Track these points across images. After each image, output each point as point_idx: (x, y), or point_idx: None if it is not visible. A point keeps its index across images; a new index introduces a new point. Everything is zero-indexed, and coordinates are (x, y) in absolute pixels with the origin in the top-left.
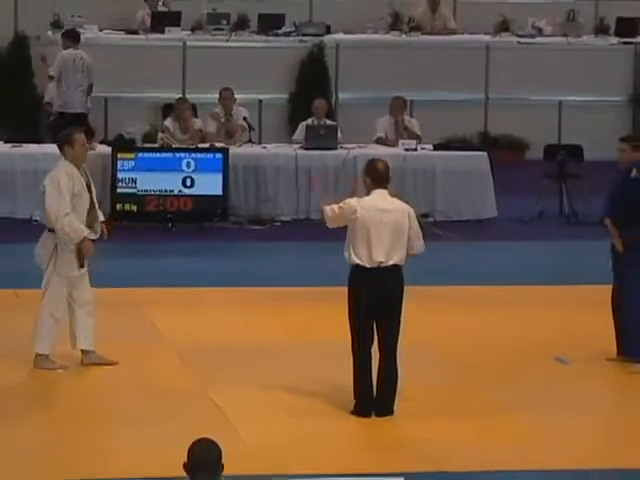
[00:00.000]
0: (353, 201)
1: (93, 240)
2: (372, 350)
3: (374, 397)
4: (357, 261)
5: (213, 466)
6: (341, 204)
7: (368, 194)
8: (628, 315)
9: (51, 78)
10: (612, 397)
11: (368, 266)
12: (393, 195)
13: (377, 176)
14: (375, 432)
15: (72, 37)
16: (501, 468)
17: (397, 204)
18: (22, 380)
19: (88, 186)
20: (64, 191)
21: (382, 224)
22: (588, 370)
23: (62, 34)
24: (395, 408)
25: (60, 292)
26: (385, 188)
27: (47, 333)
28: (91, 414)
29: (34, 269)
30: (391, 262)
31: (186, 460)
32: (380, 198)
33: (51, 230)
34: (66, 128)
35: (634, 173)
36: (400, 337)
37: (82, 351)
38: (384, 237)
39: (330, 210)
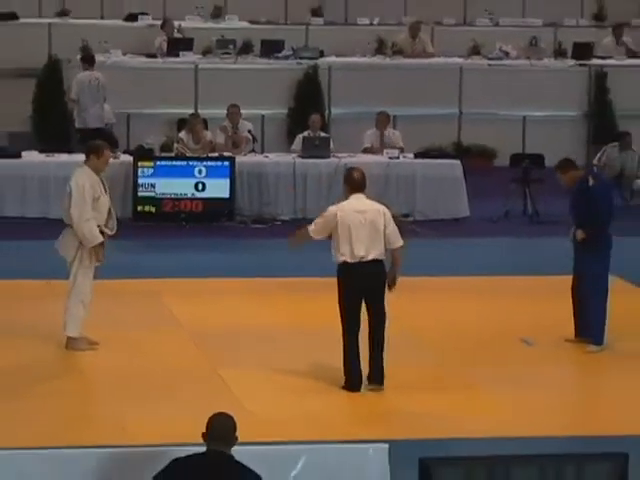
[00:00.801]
0: (332, 208)
1: (110, 235)
2: (359, 333)
3: (367, 370)
4: (342, 258)
5: (228, 437)
6: (322, 214)
7: (346, 199)
8: (585, 303)
9: (72, 101)
10: (571, 374)
11: (351, 261)
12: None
13: (353, 183)
14: (364, 405)
15: (87, 61)
16: (476, 435)
17: (372, 205)
18: (53, 358)
19: (105, 190)
20: (87, 197)
21: (360, 224)
22: (550, 350)
23: (80, 59)
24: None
25: (87, 281)
26: (362, 192)
27: (77, 318)
28: (111, 389)
29: (62, 263)
30: (371, 256)
31: (205, 430)
32: (357, 201)
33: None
34: (87, 141)
35: (591, 182)
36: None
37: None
38: (363, 235)
39: (313, 224)
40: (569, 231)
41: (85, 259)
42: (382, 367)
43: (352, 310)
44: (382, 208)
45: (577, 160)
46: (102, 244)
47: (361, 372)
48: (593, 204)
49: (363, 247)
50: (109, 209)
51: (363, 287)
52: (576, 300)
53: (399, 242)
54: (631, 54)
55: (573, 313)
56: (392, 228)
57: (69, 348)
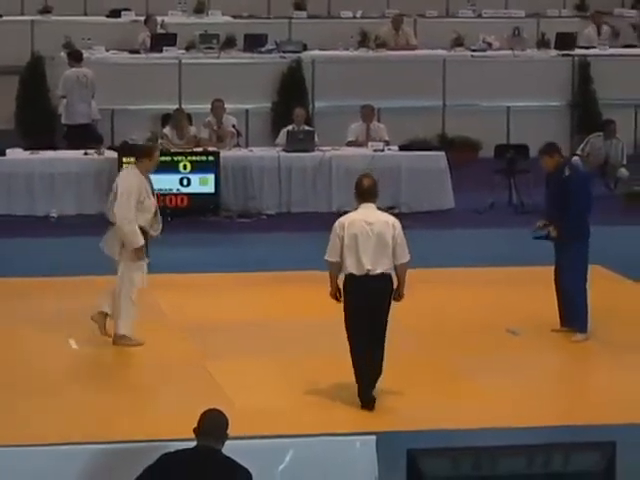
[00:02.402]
0: (339, 220)
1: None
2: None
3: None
4: (348, 270)
5: (218, 433)
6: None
7: (356, 209)
8: (568, 293)
9: (62, 97)
10: (558, 363)
11: (357, 274)
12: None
13: (362, 191)
14: (352, 397)
15: (74, 57)
16: (463, 426)
17: (381, 217)
18: (40, 355)
19: (152, 191)
20: (132, 198)
21: (367, 236)
22: (537, 340)
23: (67, 55)
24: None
25: (134, 277)
26: (372, 202)
27: (128, 315)
28: (100, 384)
29: (48, 260)
30: (378, 270)
31: (196, 425)
32: (366, 212)
33: None
34: (73, 137)
35: (567, 172)
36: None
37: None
38: (370, 247)
39: (327, 251)
40: (534, 225)
41: (129, 258)
42: (372, 394)
43: (358, 326)
44: (392, 220)
45: (562, 150)
46: (143, 246)
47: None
48: (569, 195)
49: (369, 260)
50: (155, 211)
51: (369, 302)
52: (559, 290)
53: (405, 258)
54: (615, 35)
55: (557, 303)
56: (400, 242)
57: (118, 344)
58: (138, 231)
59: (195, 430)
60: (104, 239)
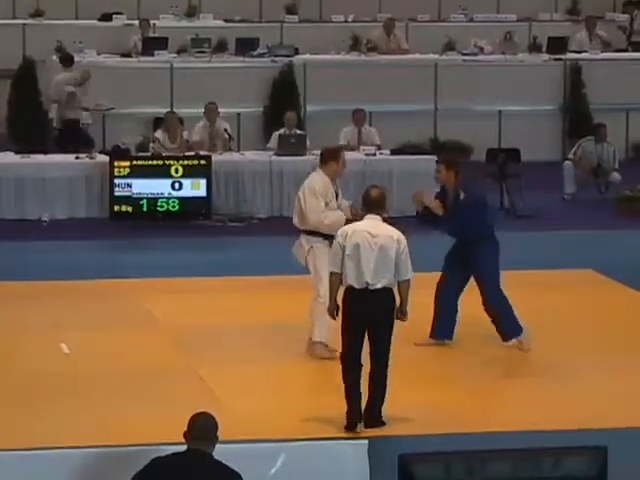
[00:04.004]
0: (342, 229)
1: None
2: (361, 367)
3: (364, 408)
4: (348, 282)
5: (209, 437)
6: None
7: (362, 219)
8: (493, 307)
9: (54, 102)
10: (548, 367)
11: (357, 287)
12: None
13: (368, 202)
14: (344, 402)
15: (65, 61)
16: (454, 431)
17: (386, 230)
18: (31, 360)
19: (336, 194)
20: (320, 198)
21: (369, 248)
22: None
23: (59, 59)
24: (384, 419)
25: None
26: (378, 214)
27: (324, 323)
28: (91, 388)
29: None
30: (379, 285)
31: (186, 429)
32: (371, 223)
33: (306, 232)
34: (64, 141)
35: (462, 197)
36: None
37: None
38: (372, 260)
39: (330, 262)
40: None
41: (321, 263)
42: (376, 413)
43: (354, 341)
44: (397, 234)
45: (553, 154)
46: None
47: (360, 410)
48: (469, 219)
49: (370, 273)
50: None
51: (367, 318)
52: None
53: (407, 275)
54: (606, 45)
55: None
56: (404, 258)
57: (311, 354)
58: (335, 214)
59: (185, 434)
60: (295, 246)
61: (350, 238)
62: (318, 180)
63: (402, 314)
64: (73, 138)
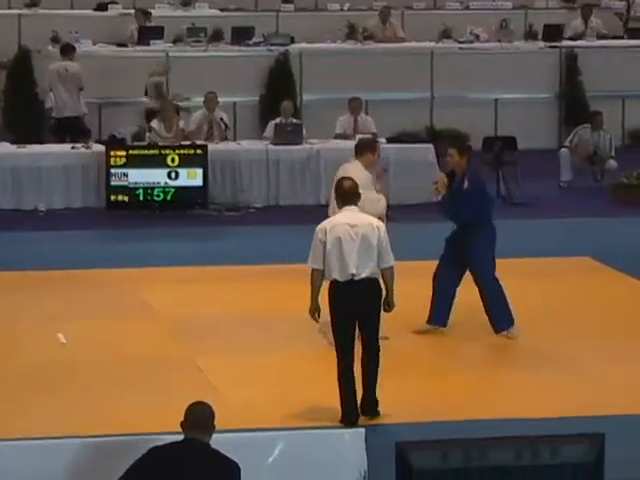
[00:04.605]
0: (321, 225)
1: None
2: (354, 359)
3: (359, 398)
4: (332, 276)
5: (206, 426)
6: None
7: (339, 210)
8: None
9: (50, 91)
10: (544, 354)
11: (341, 280)
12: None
13: (343, 194)
14: None
15: (62, 50)
16: (451, 418)
17: (365, 219)
18: (28, 350)
19: (372, 186)
20: (370, 186)
21: (351, 239)
22: (523, 331)
23: (59, 49)
24: (379, 408)
25: None
26: (355, 205)
27: None
28: (88, 378)
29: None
30: (364, 274)
31: (183, 419)
32: (348, 214)
33: None
34: (61, 130)
35: (466, 184)
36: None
37: None
38: (354, 250)
39: (310, 255)
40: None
41: None
42: (374, 400)
43: (344, 334)
44: (376, 222)
45: (550, 141)
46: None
47: (356, 402)
48: (470, 208)
49: (354, 263)
50: None
51: (355, 309)
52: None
53: (390, 261)
54: (601, 36)
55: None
56: (386, 245)
57: (323, 335)
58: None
59: (182, 424)
60: None
61: (330, 232)
62: (356, 170)
63: (388, 305)
64: (69, 127)
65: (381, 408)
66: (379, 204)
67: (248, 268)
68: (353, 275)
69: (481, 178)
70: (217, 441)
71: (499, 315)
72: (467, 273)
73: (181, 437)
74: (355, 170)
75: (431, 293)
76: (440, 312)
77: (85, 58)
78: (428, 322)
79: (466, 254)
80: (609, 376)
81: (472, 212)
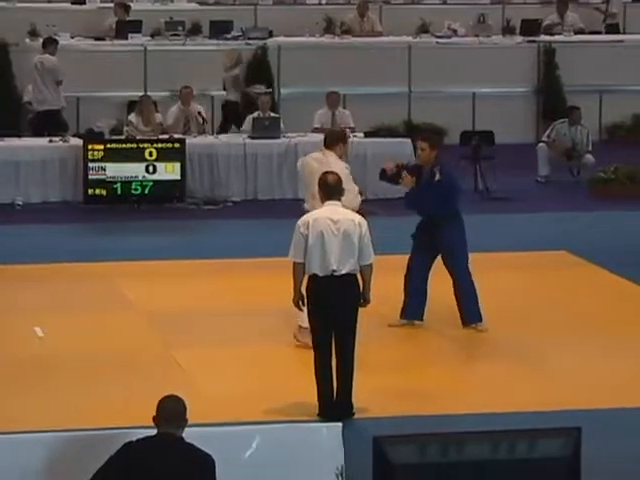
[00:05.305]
0: (303, 218)
1: None
2: (331, 355)
3: (335, 398)
4: (312, 271)
5: (178, 419)
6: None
7: (322, 204)
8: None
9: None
10: (522, 348)
11: (321, 274)
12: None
13: (327, 188)
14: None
15: (43, 44)
16: (428, 413)
17: (347, 214)
18: (4, 342)
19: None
20: (349, 178)
21: (332, 234)
22: (500, 326)
23: (42, 42)
24: (354, 410)
25: None
26: (337, 200)
27: None
28: (64, 371)
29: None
30: (344, 270)
31: (155, 413)
32: (331, 209)
33: None
34: (39, 124)
35: (438, 177)
36: (357, 341)
37: None
38: (336, 246)
39: (291, 250)
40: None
41: None
42: (349, 402)
43: (322, 329)
44: (358, 219)
45: (527, 136)
46: None
47: (333, 396)
48: (441, 200)
49: (336, 259)
50: None
51: (334, 304)
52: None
53: (370, 259)
54: (578, 31)
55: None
56: (367, 242)
57: (297, 339)
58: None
59: (154, 418)
60: None
61: (312, 227)
62: (342, 163)
63: (365, 300)
64: (47, 121)
65: (357, 404)
66: (357, 199)
67: (226, 262)
68: (334, 271)
69: (451, 170)
70: (194, 435)
71: (469, 308)
72: (437, 264)
73: (154, 432)
74: (334, 162)
75: (403, 287)
76: (415, 306)
77: (63, 52)
78: (402, 317)
79: (440, 246)
80: (584, 370)
81: (444, 204)
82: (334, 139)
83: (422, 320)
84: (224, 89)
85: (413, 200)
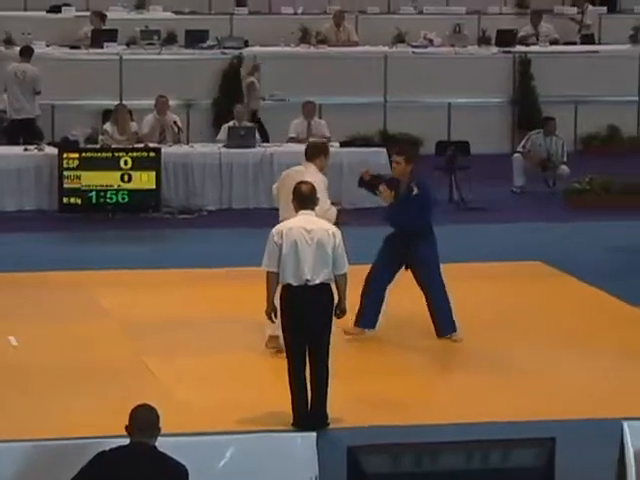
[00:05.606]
0: (276, 228)
1: None
2: (305, 365)
3: (310, 408)
4: (286, 281)
5: (151, 429)
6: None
7: (295, 213)
8: (433, 294)
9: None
10: (496, 358)
11: (295, 284)
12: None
13: (301, 198)
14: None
15: (20, 52)
16: (403, 423)
17: (320, 224)
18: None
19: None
20: (325, 190)
21: (306, 243)
22: (474, 337)
23: (19, 51)
24: (329, 420)
25: None
26: (311, 209)
27: None
28: (37, 380)
29: None
30: (318, 280)
31: (128, 423)
32: (304, 218)
33: None
34: (14, 132)
35: (416, 191)
36: (331, 350)
37: None
38: (310, 255)
39: (264, 259)
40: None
41: None
42: (324, 412)
43: (295, 339)
44: (332, 229)
45: (503, 146)
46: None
47: (307, 405)
48: (418, 213)
49: (310, 269)
50: None
51: (308, 314)
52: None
53: (344, 269)
54: (553, 42)
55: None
56: (341, 252)
57: (269, 347)
58: (334, 210)
59: (127, 428)
60: None
61: (286, 236)
62: (315, 173)
63: (341, 311)
64: (23, 129)
65: (331, 414)
66: (328, 212)
67: (202, 271)
68: (308, 280)
69: (427, 183)
70: (167, 444)
71: (444, 319)
72: (404, 277)
73: (127, 441)
74: (313, 174)
75: (361, 295)
76: (371, 315)
77: (38, 60)
78: (357, 324)
79: (413, 259)
80: (559, 380)
81: (421, 218)
82: (315, 151)
83: (374, 329)
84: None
85: (393, 215)
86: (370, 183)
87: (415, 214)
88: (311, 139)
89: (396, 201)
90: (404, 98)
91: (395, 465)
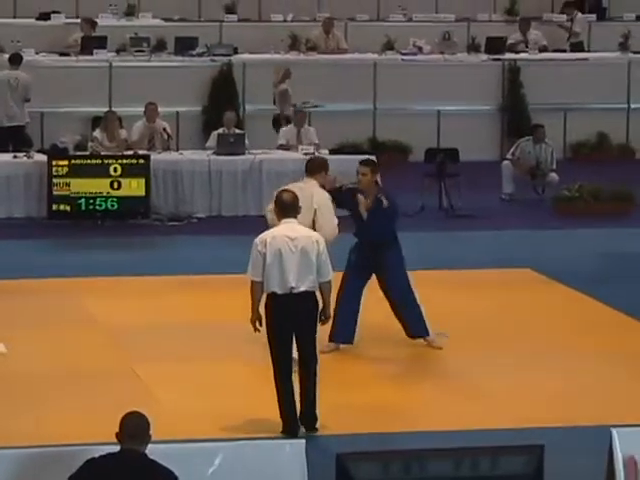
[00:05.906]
0: (260, 237)
1: None
2: (292, 373)
3: (300, 412)
4: (270, 289)
5: (142, 436)
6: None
7: (278, 222)
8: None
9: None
10: (487, 366)
11: (280, 292)
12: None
13: (282, 206)
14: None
15: (11, 60)
16: (392, 430)
17: (304, 232)
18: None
19: None
20: (331, 208)
21: (290, 252)
22: (463, 343)
23: (8, 58)
24: (318, 425)
25: None
26: (294, 217)
27: None
28: (26, 387)
29: None
30: (302, 288)
31: (118, 430)
32: (288, 227)
33: None
34: (4, 139)
35: (385, 203)
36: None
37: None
38: (294, 263)
39: (249, 268)
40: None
41: None
42: (313, 414)
43: (281, 347)
44: (315, 236)
45: (492, 154)
46: None
47: (296, 414)
48: (388, 224)
49: (294, 277)
50: None
51: (294, 322)
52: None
53: (328, 276)
54: (542, 49)
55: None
56: (325, 259)
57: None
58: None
59: (117, 435)
60: None
61: (270, 245)
62: (321, 190)
63: (325, 317)
64: (12, 136)
65: (320, 421)
66: (334, 231)
67: (190, 278)
68: (292, 288)
69: (392, 193)
70: (157, 452)
71: (415, 322)
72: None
73: (117, 448)
74: (319, 190)
75: (334, 309)
76: (349, 329)
77: (27, 67)
78: (331, 340)
79: (381, 269)
80: (547, 387)
81: (391, 229)
82: (316, 167)
83: (352, 344)
84: (274, 104)
85: (365, 228)
86: (334, 194)
87: (386, 226)
88: (301, 147)
89: (368, 214)
90: (393, 105)
91: (384, 472)
